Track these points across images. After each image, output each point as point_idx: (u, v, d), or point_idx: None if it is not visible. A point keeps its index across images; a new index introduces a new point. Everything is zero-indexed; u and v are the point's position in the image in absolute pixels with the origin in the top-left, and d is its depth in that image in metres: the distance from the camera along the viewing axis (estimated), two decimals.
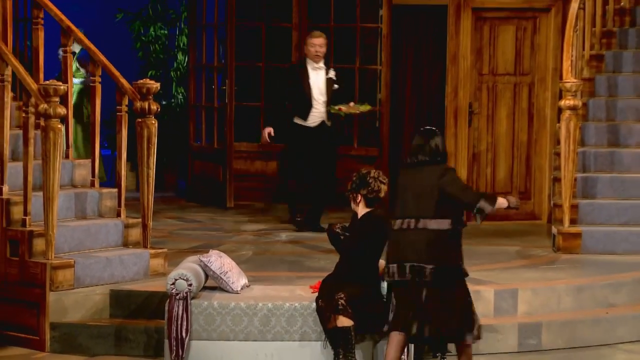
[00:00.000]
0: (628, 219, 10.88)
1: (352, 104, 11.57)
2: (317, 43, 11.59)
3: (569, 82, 10.85)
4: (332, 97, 11.59)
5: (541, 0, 12.43)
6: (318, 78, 11.61)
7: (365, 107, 11.67)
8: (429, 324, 7.93)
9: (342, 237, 8.57)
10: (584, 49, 11.71)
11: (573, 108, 10.83)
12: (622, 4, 12.33)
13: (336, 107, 11.50)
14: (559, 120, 10.95)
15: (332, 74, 11.65)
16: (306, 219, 11.88)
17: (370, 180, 8.46)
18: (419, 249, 7.91)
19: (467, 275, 8.03)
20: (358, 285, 8.36)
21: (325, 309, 8.30)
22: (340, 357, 8.30)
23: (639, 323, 9.44)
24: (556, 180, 11.08)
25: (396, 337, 8.03)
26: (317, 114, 11.61)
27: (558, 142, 10.99)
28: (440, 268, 7.87)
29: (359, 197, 8.49)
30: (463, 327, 7.99)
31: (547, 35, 12.45)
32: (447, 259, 7.93)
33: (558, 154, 10.94)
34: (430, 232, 7.90)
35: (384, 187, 8.49)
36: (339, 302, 8.21)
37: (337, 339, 8.30)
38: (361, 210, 8.52)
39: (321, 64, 11.62)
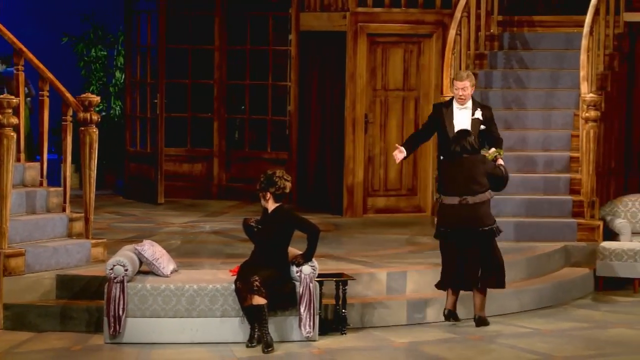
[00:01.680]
0: (509, 210, 10.84)
1: (492, 150, 9.38)
2: (461, 86, 9.48)
3: (448, 96, 10.90)
4: (480, 138, 9.45)
5: (425, 27, 12.48)
6: (463, 118, 9.56)
7: (498, 152, 9.46)
8: (474, 276, 8.85)
9: (255, 230, 8.52)
10: (460, 69, 11.79)
11: None
12: (491, 30, 12.45)
13: None
14: None
15: (478, 114, 9.55)
16: None
17: (277, 180, 8.41)
18: (475, 217, 8.83)
19: (501, 231, 9.00)
20: (270, 269, 8.33)
21: (243, 289, 8.26)
22: (256, 330, 8.28)
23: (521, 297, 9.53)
24: (438, 179, 11.03)
25: (450, 291, 8.93)
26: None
27: None
28: (488, 228, 8.86)
29: (268, 195, 8.43)
30: (502, 276, 8.93)
31: (430, 57, 12.51)
32: (490, 220, 8.91)
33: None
34: (481, 204, 8.86)
35: (288, 184, 8.45)
36: (254, 284, 8.17)
37: (252, 316, 8.28)
38: (271, 205, 8.45)
39: (468, 105, 9.54)
